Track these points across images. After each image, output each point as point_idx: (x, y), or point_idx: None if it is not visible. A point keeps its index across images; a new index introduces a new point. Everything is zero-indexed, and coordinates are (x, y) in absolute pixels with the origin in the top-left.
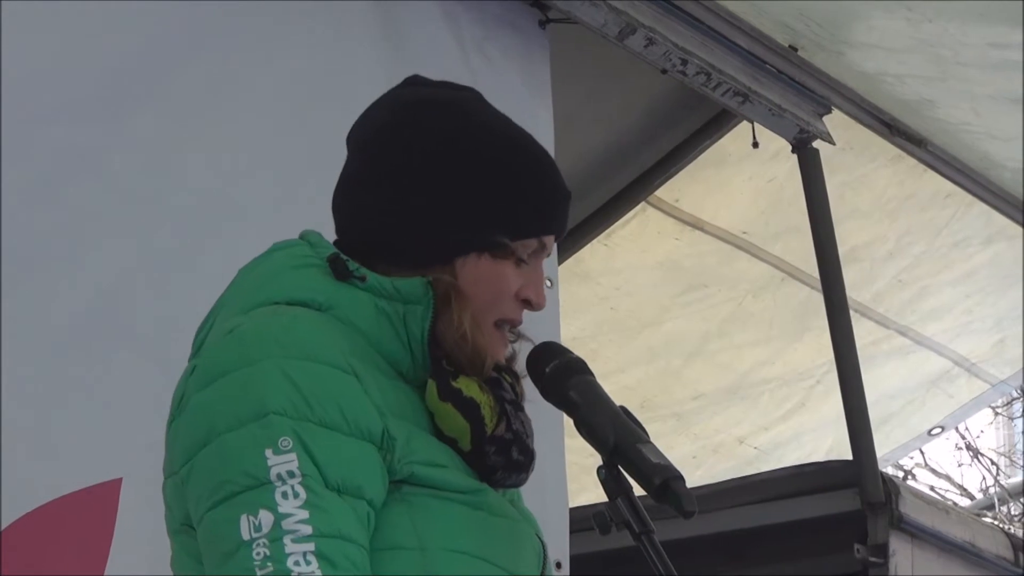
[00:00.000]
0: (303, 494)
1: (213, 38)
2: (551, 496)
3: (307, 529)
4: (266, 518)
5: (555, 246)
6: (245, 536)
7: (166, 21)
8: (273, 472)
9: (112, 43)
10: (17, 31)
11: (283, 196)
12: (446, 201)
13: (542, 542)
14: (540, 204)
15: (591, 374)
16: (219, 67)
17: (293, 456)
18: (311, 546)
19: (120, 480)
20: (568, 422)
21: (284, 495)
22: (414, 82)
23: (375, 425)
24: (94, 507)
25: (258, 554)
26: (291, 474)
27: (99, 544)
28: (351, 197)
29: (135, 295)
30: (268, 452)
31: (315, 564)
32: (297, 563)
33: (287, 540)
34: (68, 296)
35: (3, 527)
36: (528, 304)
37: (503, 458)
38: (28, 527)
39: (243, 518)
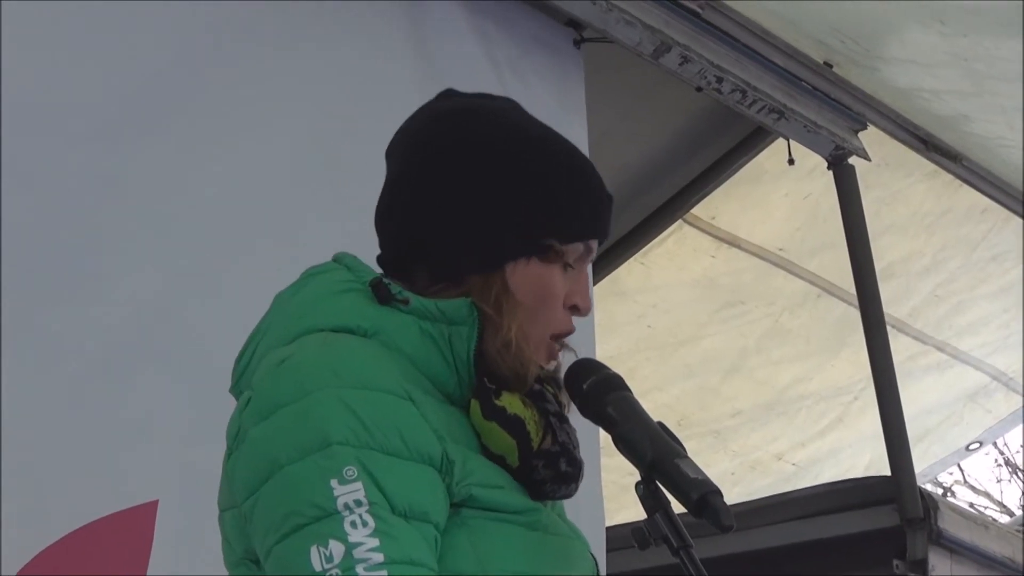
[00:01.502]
0: (372, 522)
1: (235, 64)
2: (586, 514)
3: (379, 557)
4: (337, 548)
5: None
6: (317, 567)
7: (188, 42)
8: (340, 502)
9: (135, 66)
10: (43, 59)
11: (308, 215)
12: (495, 206)
13: (595, 559)
14: (586, 207)
15: (629, 390)
16: (242, 90)
17: (359, 485)
18: (383, 573)
19: (156, 502)
20: (604, 440)
21: (353, 524)
22: (449, 95)
23: (435, 449)
24: (130, 529)
25: None
26: (358, 503)
27: (136, 566)
28: (396, 209)
29: (164, 317)
30: (334, 482)
31: None
32: None
33: (360, 569)
34: (97, 319)
35: (39, 551)
36: (576, 310)
37: (552, 471)
38: (64, 551)
39: (313, 549)
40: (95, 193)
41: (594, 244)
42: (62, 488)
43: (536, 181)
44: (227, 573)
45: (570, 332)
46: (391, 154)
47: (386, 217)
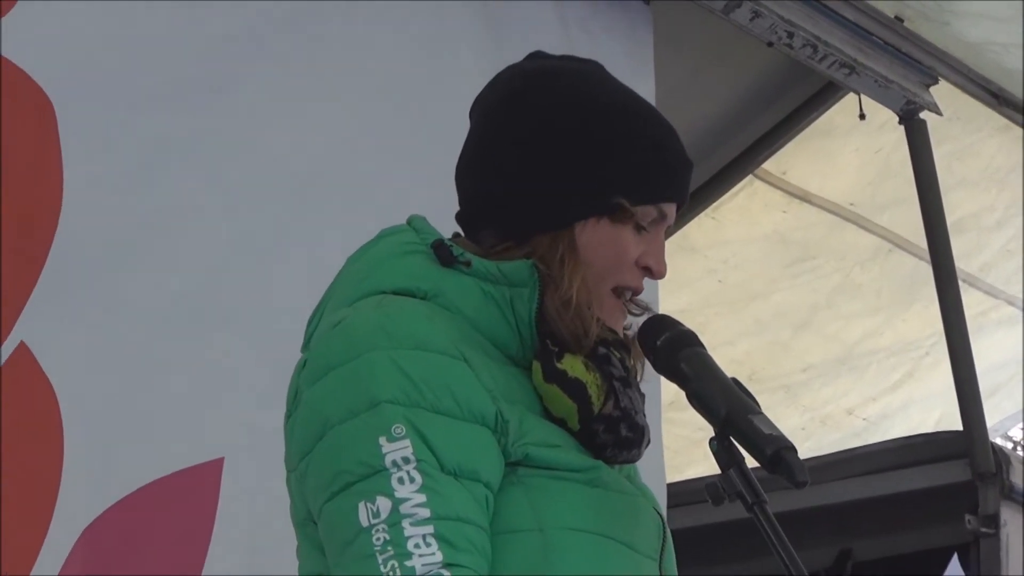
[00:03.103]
0: (419, 479)
1: (309, 22)
2: (647, 472)
3: (425, 512)
4: (384, 504)
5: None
6: (364, 523)
7: (263, 7)
8: (388, 459)
9: (208, 31)
10: (113, 21)
11: (377, 180)
12: (567, 163)
13: (661, 516)
14: (658, 170)
15: (702, 346)
16: (311, 53)
17: (407, 442)
18: (430, 528)
19: (222, 460)
20: (672, 395)
21: (400, 480)
22: (536, 56)
23: (488, 408)
24: (196, 487)
25: (378, 539)
26: (406, 460)
27: (202, 523)
28: (474, 164)
29: (233, 278)
30: (382, 440)
31: (435, 546)
32: (417, 545)
33: (406, 524)
34: (168, 279)
35: (106, 507)
36: (649, 272)
37: (612, 436)
38: (131, 507)
39: (361, 505)
40: (164, 156)
41: (668, 208)
42: (130, 446)
43: (608, 141)
44: (293, 531)
45: (638, 291)
46: (473, 111)
47: (463, 172)
